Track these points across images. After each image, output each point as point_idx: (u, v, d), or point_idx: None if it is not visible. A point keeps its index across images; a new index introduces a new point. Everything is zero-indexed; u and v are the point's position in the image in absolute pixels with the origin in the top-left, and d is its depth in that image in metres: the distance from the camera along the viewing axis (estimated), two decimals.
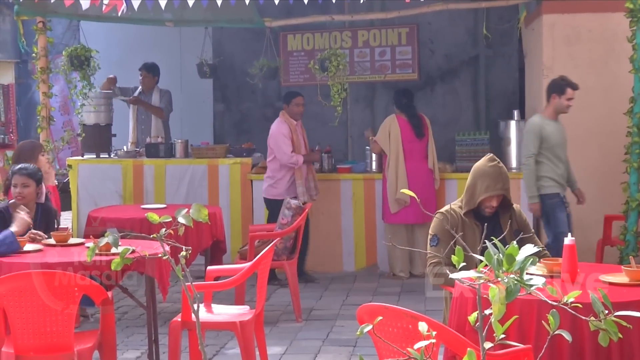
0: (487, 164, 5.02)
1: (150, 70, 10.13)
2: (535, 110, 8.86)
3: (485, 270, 2.40)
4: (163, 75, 10.26)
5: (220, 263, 7.59)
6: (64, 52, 9.33)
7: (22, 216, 5.40)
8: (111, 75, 10.18)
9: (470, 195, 4.97)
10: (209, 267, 6.17)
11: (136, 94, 10.19)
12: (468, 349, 2.46)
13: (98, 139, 9.72)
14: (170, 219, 3.02)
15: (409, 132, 8.63)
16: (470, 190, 4.98)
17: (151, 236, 3.13)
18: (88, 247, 3.31)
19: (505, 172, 5.00)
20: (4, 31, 17.96)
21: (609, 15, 8.05)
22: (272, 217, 8.16)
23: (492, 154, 5.16)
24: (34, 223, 5.76)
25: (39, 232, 5.59)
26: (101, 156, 9.75)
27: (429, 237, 5.00)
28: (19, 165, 5.94)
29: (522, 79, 10.22)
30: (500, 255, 2.35)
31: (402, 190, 3.39)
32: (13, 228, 5.26)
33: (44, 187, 6.12)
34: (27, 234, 5.48)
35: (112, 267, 3.10)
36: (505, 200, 5.05)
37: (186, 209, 2.95)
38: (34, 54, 8.97)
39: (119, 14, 6.86)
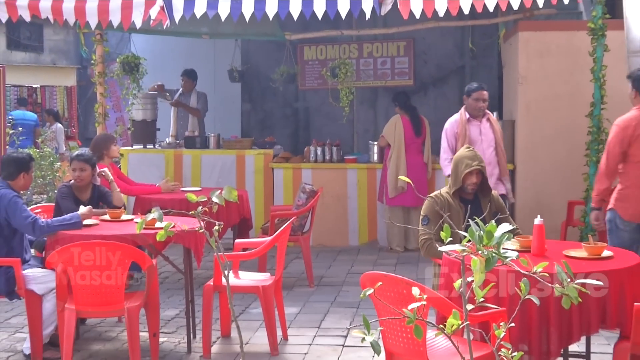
0: (464, 150, 5.11)
1: (189, 76, 10.12)
2: (512, 112, 8.83)
3: (468, 244, 2.41)
4: (200, 79, 10.25)
5: (247, 237, 7.60)
6: (117, 60, 9.33)
7: (90, 212, 5.39)
8: (159, 83, 10.17)
9: (454, 176, 5.01)
10: (236, 240, 6.18)
11: (177, 95, 10.20)
12: (453, 309, 2.46)
13: (145, 132, 9.75)
14: (206, 199, 3.04)
15: (410, 130, 8.62)
16: (454, 173, 5.02)
17: (189, 213, 3.15)
18: (137, 222, 3.33)
19: (479, 155, 5.08)
20: (68, 42, 18.03)
21: (574, 34, 8.00)
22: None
23: (467, 144, 5.26)
24: (91, 202, 5.77)
25: (99, 210, 5.62)
26: (147, 147, 9.76)
27: (421, 217, 5.00)
28: (77, 152, 5.92)
29: (500, 86, 10.18)
30: (481, 232, 2.35)
31: (399, 177, 3.39)
32: (80, 211, 5.26)
33: (97, 169, 6.12)
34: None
35: (157, 238, 3.11)
36: (484, 186, 5.05)
37: (219, 191, 2.96)
38: (92, 61, 8.98)
39: (164, 27, 6.86)
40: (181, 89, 10.19)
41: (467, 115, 6.77)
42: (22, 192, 5.45)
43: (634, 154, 5.26)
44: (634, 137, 5.24)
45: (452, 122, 6.86)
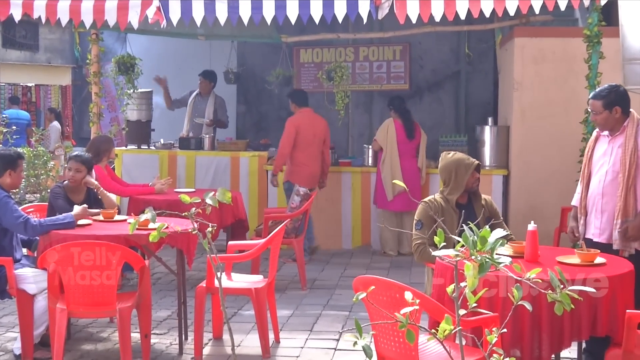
0: (449, 156, 5.07)
1: (207, 77, 9.95)
2: (506, 117, 8.85)
3: (462, 249, 2.41)
4: (196, 82, 10.20)
5: (244, 239, 7.58)
6: (112, 59, 9.31)
7: (84, 212, 5.35)
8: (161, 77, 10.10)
9: (455, 182, 4.96)
10: (230, 242, 6.17)
11: (193, 96, 10.06)
12: (445, 314, 2.46)
13: (140, 132, 9.73)
14: (200, 200, 3.03)
15: (402, 134, 8.62)
16: (453, 179, 4.96)
17: (183, 214, 3.14)
18: (130, 223, 3.31)
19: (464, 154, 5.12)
20: (64, 41, 17.98)
21: (570, 40, 8.02)
22: None
23: (443, 152, 5.24)
24: (87, 203, 5.72)
25: (92, 210, 5.58)
26: (142, 147, 9.75)
27: (414, 221, 5.00)
28: (75, 152, 5.90)
29: (496, 91, 10.20)
30: (475, 237, 2.35)
31: (394, 181, 3.38)
32: (74, 211, 5.24)
33: (94, 173, 6.11)
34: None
35: (150, 239, 3.10)
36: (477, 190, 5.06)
37: (213, 192, 2.95)
38: (87, 60, 8.96)
39: (162, 26, 6.85)
40: (198, 90, 10.04)
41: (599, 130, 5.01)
42: (13, 190, 5.42)
43: (300, 142, 8.14)
44: (299, 130, 8.16)
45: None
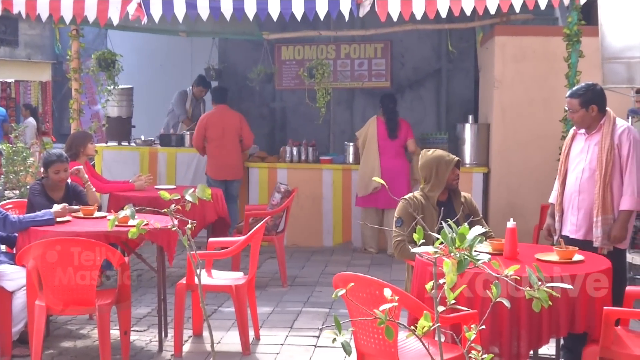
0: (429, 154, 5.06)
1: (207, 85, 10.22)
2: (487, 115, 8.89)
3: (441, 246, 2.41)
4: (177, 78, 10.17)
5: (225, 236, 7.55)
6: (93, 56, 9.24)
7: (65, 211, 5.31)
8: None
9: (436, 179, 4.95)
10: (210, 239, 6.16)
11: (190, 101, 10.18)
12: (424, 311, 2.47)
13: (120, 129, 9.68)
14: (179, 197, 3.01)
15: (384, 133, 8.61)
16: (434, 176, 4.95)
17: (162, 211, 3.12)
18: (109, 219, 3.30)
19: (445, 150, 5.12)
20: (44, 37, 17.87)
21: (550, 39, 8.07)
22: None
23: (424, 149, 5.24)
24: (64, 201, 5.69)
25: (73, 207, 5.54)
26: (122, 144, 9.70)
27: (395, 219, 4.99)
28: (55, 153, 5.78)
29: (476, 89, 10.24)
30: (454, 234, 2.35)
31: (373, 179, 3.38)
32: (54, 209, 5.20)
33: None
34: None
35: (129, 236, 3.09)
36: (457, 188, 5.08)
37: (192, 189, 2.94)
38: (68, 57, 8.88)
39: (142, 23, 6.82)
40: (191, 95, 10.16)
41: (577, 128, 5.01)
42: None
43: (209, 137, 8.75)
44: (208, 126, 8.76)
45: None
